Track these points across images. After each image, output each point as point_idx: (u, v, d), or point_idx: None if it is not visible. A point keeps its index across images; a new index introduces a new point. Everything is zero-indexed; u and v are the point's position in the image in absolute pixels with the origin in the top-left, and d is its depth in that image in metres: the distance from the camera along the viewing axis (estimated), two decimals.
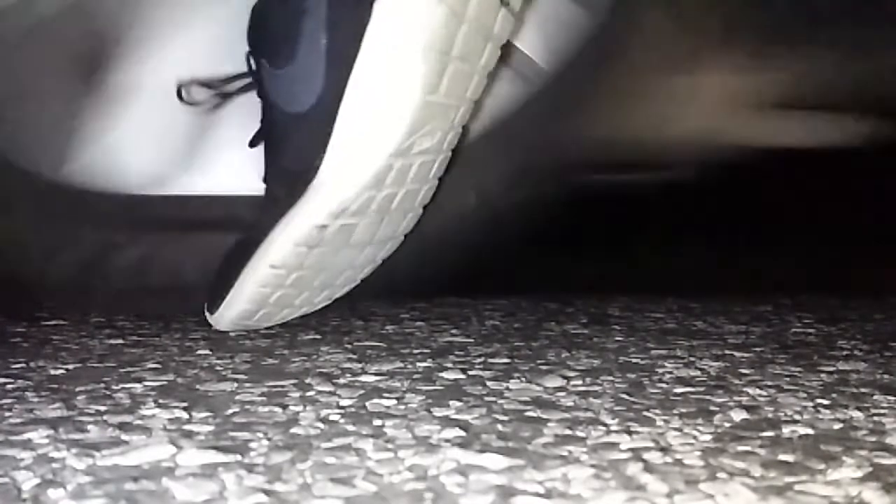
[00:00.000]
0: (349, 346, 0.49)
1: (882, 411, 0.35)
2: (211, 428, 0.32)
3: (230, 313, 0.50)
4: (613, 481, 0.26)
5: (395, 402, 0.36)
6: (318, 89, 0.46)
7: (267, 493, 0.25)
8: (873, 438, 0.31)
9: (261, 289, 0.49)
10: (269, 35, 0.47)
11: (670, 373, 0.43)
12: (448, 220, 0.57)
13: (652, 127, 0.66)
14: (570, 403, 0.36)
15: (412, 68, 0.43)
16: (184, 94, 0.52)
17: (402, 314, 0.61)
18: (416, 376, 0.41)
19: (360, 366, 0.44)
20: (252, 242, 0.48)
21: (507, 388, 0.39)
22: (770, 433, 0.32)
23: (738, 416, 0.34)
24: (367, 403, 0.36)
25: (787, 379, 0.42)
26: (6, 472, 0.27)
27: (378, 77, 0.44)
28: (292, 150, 0.47)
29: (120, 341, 0.51)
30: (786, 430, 0.32)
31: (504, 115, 0.59)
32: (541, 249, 0.72)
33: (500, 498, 0.25)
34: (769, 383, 0.40)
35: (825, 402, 0.37)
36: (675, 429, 0.32)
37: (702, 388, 0.39)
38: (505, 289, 0.70)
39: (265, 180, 0.49)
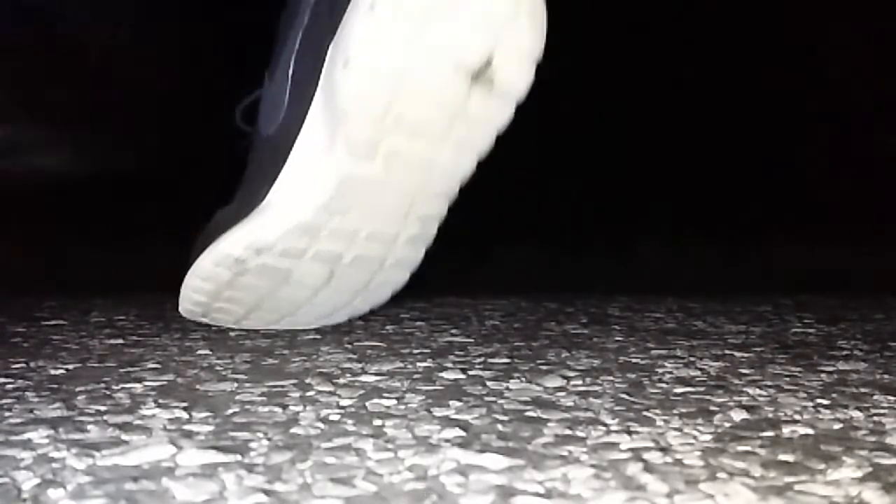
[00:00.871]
0: (349, 346, 0.49)
1: (882, 411, 0.35)
2: (211, 428, 0.32)
3: (181, 304, 0.51)
4: (613, 481, 0.26)
5: (395, 402, 0.36)
6: (280, 117, 0.45)
7: (267, 493, 0.25)
8: (873, 438, 0.31)
9: (193, 294, 0.49)
10: (273, 46, 0.47)
11: (670, 373, 0.43)
12: None
13: None
14: (570, 403, 0.36)
15: (336, 127, 0.42)
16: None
17: (402, 314, 0.61)
18: (416, 376, 0.41)
19: (360, 366, 0.44)
20: (201, 245, 0.48)
21: (507, 388, 0.39)
22: (770, 433, 0.32)
23: (738, 416, 0.34)
24: (367, 403, 0.36)
25: (787, 379, 0.42)
26: (6, 472, 0.27)
27: (322, 126, 0.43)
28: (256, 170, 0.47)
29: (120, 341, 0.51)
30: (786, 430, 0.32)
31: None
32: None
33: (500, 498, 0.25)
34: (769, 383, 0.40)
35: (825, 402, 0.37)
36: (675, 429, 0.32)
37: (702, 388, 0.39)
38: None
39: (235, 192, 0.49)
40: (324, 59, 0.43)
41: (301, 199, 0.44)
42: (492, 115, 0.44)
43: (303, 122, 0.44)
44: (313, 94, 0.44)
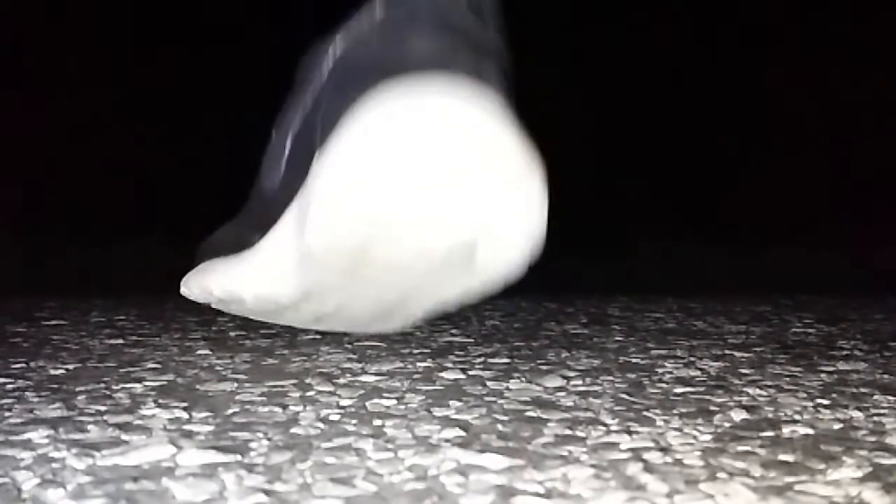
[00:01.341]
0: (349, 346, 0.49)
1: (882, 411, 0.35)
2: (211, 428, 0.32)
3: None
4: (613, 481, 0.26)
5: (395, 402, 0.36)
6: (277, 181, 0.44)
7: (267, 493, 0.25)
8: (873, 438, 0.31)
9: (188, 293, 0.49)
10: (288, 92, 0.45)
11: (670, 373, 0.43)
12: None
13: None
14: (570, 403, 0.36)
15: (306, 250, 0.39)
16: None
17: None
18: (416, 376, 0.41)
19: (360, 366, 0.44)
20: (200, 256, 0.48)
21: (507, 388, 0.39)
22: (770, 433, 0.32)
23: (738, 416, 0.34)
24: (367, 403, 0.36)
25: (787, 379, 0.42)
26: (6, 472, 0.27)
27: (298, 230, 0.41)
28: (256, 209, 0.46)
29: (120, 341, 0.51)
30: (786, 430, 0.32)
31: None
32: None
33: (500, 498, 0.25)
34: (769, 383, 0.40)
35: (825, 402, 0.37)
36: (675, 429, 0.32)
37: (702, 388, 0.39)
38: None
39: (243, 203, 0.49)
40: (312, 160, 0.40)
41: (277, 279, 0.43)
42: (475, 279, 0.41)
43: (289, 203, 0.42)
44: (302, 183, 0.41)
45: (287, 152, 0.44)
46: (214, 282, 0.46)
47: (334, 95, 0.40)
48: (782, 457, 0.29)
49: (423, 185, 0.36)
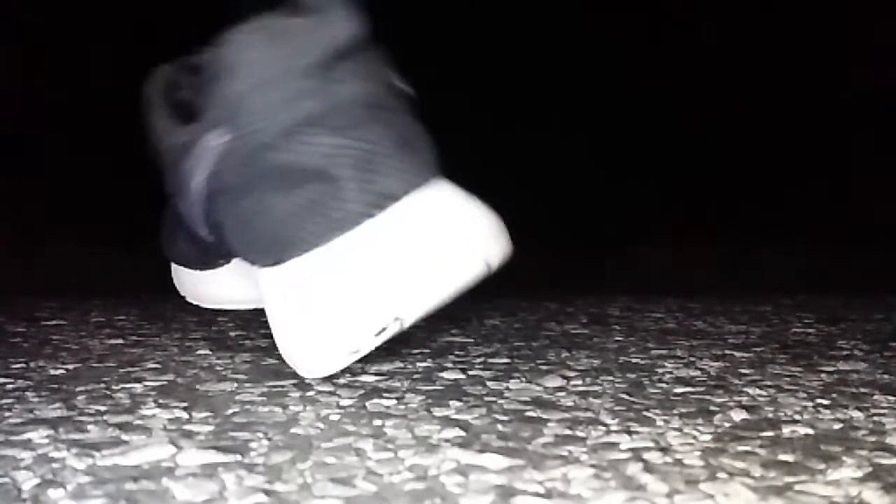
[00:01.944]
0: None
1: (882, 411, 0.35)
2: (211, 428, 0.32)
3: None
4: (613, 481, 0.26)
5: (395, 402, 0.36)
6: (208, 236, 0.43)
7: (267, 493, 0.25)
8: (873, 438, 0.31)
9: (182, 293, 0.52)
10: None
11: (670, 373, 0.43)
12: None
13: None
14: (570, 403, 0.36)
15: (298, 370, 0.40)
16: None
17: None
18: (416, 376, 0.41)
19: (360, 366, 0.44)
20: (164, 233, 0.51)
21: (507, 388, 0.39)
22: (770, 433, 0.32)
23: (738, 416, 0.34)
24: (367, 403, 0.36)
25: (787, 379, 0.42)
26: (6, 472, 0.27)
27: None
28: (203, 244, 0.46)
29: (120, 341, 0.51)
30: (786, 430, 0.32)
31: None
32: None
33: (500, 498, 0.25)
34: (769, 383, 0.40)
35: (825, 402, 0.37)
36: (675, 429, 0.32)
37: (702, 388, 0.39)
38: None
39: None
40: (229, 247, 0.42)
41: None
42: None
43: (228, 251, 0.43)
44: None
45: (207, 229, 0.42)
46: (206, 296, 0.49)
47: (228, 207, 0.40)
48: (782, 457, 0.29)
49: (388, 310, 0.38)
